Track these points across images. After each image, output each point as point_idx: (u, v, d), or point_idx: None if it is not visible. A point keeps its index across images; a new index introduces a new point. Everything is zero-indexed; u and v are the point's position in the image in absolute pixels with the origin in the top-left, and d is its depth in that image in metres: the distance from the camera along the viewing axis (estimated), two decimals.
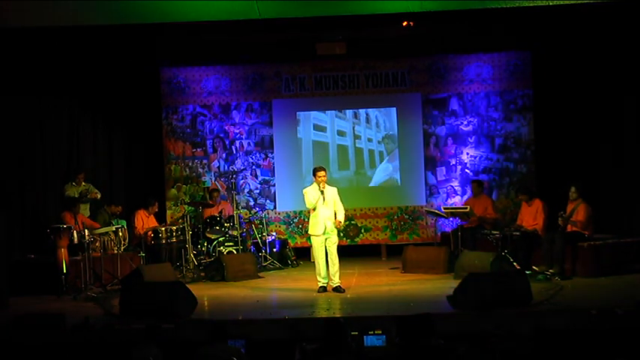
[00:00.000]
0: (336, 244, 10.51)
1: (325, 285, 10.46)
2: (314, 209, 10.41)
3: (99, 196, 12.75)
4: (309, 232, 10.68)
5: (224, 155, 14.89)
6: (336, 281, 10.41)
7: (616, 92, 12.78)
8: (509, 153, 14.45)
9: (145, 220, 12.80)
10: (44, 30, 10.78)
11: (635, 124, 12.38)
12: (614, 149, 12.95)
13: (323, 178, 10.40)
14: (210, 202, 13.79)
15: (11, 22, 10.11)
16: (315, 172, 10.53)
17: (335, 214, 10.46)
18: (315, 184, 10.49)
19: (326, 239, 10.42)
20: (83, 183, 12.65)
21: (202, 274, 12.23)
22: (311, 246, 11.02)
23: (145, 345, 6.48)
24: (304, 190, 10.61)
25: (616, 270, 10.90)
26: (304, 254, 14.09)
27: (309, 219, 10.70)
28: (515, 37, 13.62)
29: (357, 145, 14.65)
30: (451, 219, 13.31)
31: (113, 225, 11.88)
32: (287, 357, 6.75)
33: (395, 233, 14.63)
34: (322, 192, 10.36)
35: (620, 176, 12.73)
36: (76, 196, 12.22)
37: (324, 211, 10.38)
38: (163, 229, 12.47)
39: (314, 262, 10.76)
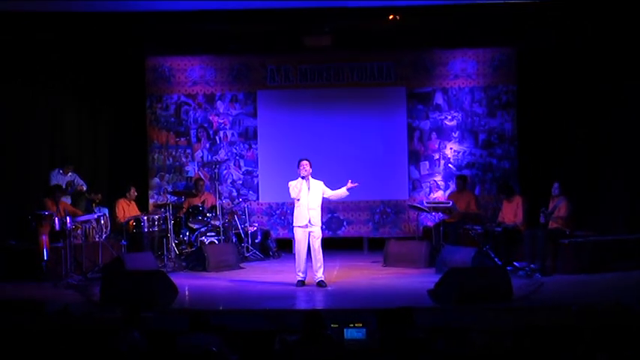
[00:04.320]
0: (320, 238, 10.34)
1: (303, 279, 10.33)
2: (298, 199, 10.31)
3: (84, 188, 12.68)
4: (293, 224, 10.51)
5: (208, 145, 14.83)
6: (319, 276, 10.27)
7: (599, 91, 12.80)
8: (493, 148, 14.48)
9: (126, 209, 12.73)
10: (29, 16, 10.69)
11: (618, 121, 12.42)
12: (596, 146, 12.99)
13: (306, 167, 10.24)
14: (194, 192, 13.72)
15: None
16: (298, 162, 10.37)
17: (328, 193, 10.42)
18: (300, 178, 10.30)
19: (309, 233, 10.28)
20: (70, 173, 12.56)
21: (184, 263, 12.20)
22: (293, 238, 10.83)
23: (126, 331, 6.45)
24: (289, 183, 10.42)
25: (597, 267, 10.92)
26: (286, 245, 14.06)
27: (292, 210, 10.61)
28: (500, 33, 13.56)
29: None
30: (433, 213, 13.33)
31: (94, 212, 11.83)
32: (267, 348, 6.74)
33: (377, 227, 14.63)
34: (303, 178, 10.19)
35: (602, 173, 12.79)
36: (63, 187, 12.13)
37: (309, 202, 10.23)
38: (145, 217, 12.41)
39: (295, 254, 10.57)
